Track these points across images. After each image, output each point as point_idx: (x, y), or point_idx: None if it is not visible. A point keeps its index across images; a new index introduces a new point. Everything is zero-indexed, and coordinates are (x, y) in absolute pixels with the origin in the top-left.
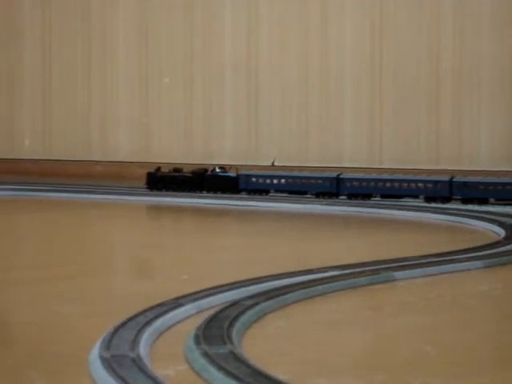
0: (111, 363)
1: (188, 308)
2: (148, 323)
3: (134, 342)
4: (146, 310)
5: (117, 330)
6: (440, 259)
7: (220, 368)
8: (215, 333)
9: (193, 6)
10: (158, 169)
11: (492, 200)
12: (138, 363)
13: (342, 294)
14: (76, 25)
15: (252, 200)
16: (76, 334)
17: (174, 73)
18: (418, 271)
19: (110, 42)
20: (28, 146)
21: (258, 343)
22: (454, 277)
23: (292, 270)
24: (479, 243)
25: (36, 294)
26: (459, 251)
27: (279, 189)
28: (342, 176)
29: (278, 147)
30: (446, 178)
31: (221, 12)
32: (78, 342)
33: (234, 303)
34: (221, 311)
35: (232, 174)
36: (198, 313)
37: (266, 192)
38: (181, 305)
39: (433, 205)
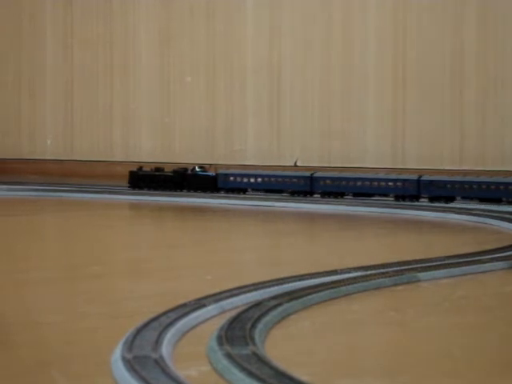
0: (133, 364)
1: (211, 309)
2: (171, 324)
3: (157, 343)
4: (168, 311)
5: (139, 330)
6: (464, 260)
7: (242, 369)
8: (238, 334)
9: (214, 9)
10: (140, 168)
11: (458, 198)
12: (160, 364)
13: (365, 294)
14: (98, 27)
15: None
16: (98, 335)
17: (196, 74)
18: (442, 272)
19: (131, 44)
20: (51, 147)
21: (280, 344)
22: (478, 278)
23: (315, 270)
24: (503, 244)
25: (59, 295)
26: (483, 252)
27: (256, 187)
28: (315, 175)
29: (300, 147)
30: (414, 177)
31: (243, 14)
32: (100, 342)
33: (257, 304)
34: (244, 312)
35: (211, 173)
36: (220, 313)
37: (244, 190)
38: (203, 305)
39: (457, 205)
